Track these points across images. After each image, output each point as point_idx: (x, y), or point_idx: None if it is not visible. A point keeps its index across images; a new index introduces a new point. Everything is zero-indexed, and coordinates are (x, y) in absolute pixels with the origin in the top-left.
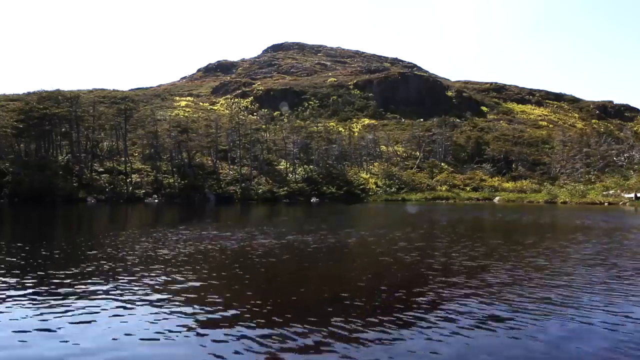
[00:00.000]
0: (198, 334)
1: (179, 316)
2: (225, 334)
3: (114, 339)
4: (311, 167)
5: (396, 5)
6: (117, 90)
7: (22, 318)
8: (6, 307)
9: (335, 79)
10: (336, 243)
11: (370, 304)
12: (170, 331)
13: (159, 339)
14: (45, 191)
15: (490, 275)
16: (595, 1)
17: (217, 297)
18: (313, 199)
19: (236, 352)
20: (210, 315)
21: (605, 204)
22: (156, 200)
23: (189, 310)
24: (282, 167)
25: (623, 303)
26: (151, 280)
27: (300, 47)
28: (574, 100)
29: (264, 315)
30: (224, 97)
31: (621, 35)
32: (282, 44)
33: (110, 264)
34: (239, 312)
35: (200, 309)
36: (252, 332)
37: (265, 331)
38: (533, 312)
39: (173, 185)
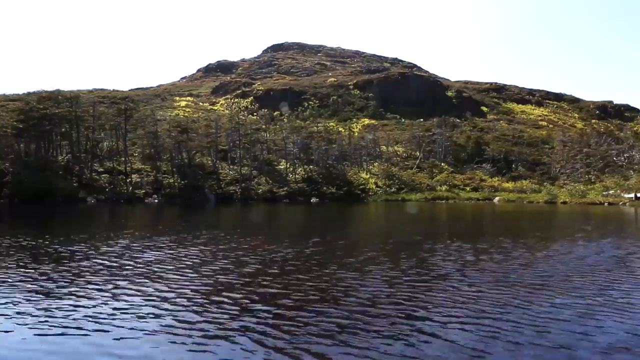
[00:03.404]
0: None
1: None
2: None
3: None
4: (311, 167)
5: (396, 5)
6: (117, 90)
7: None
8: None
9: (335, 79)
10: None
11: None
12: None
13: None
14: (45, 191)
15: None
16: (595, 1)
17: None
18: (313, 199)
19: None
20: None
21: (605, 204)
22: (156, 201)
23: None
24: (282, 167)
25: None
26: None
27: (300, 47)
28: (574, 100)
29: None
30: (224, 97)
31: (621, 36)
32: (282, 44)
33: (113, 269)
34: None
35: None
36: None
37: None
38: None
39: (173, 185)
